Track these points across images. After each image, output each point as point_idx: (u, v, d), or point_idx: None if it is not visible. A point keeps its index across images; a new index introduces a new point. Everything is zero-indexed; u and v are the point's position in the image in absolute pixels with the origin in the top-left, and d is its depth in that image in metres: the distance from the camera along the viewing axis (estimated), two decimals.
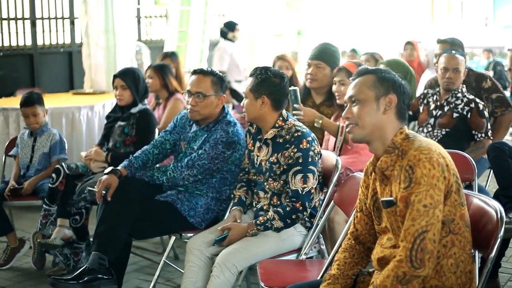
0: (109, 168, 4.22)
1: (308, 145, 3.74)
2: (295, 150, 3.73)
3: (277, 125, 3.85)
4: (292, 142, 3.76)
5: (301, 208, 3.71)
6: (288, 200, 3.76)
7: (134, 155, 4.32)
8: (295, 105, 4.48)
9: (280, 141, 3.82)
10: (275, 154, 3.82)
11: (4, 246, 5.33)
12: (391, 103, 2.69)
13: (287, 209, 3.72)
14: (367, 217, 2.86)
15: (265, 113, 3.85)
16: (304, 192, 3.71)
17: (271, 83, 3.83)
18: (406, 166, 2.55)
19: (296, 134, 3.77)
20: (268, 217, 3.73)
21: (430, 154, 2.52)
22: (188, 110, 4.19)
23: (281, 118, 3.87)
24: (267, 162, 3.86)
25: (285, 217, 3.71)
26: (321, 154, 3.88)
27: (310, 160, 3.74)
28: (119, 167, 4.20)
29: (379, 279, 2.51)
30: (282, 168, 3.79)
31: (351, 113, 2.73)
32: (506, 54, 11.90)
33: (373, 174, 2.77)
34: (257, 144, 3.95)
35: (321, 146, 4.43)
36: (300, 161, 3.72)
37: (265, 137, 3.89)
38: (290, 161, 3.75)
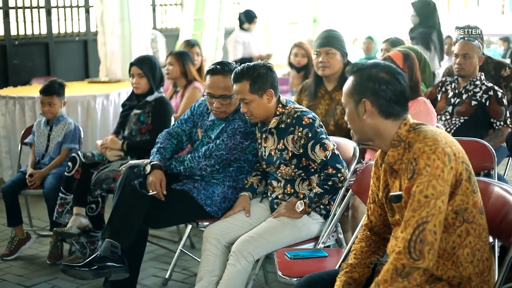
0: (147, 162, 4.09)
1: (310, 120, 3.80)
2: (301, 129, 3.79)
3: (278, 113, 3.88)
4: (294, 124, 3.81)
5: (334, 171, 3.74)
6: (317, 175, 3.82)
7: (161, 146, 4.21)
8: None
9: (283, 126, 3.86)
10: (282, 141, 3.86)
11: (8, 236, 5.35)
12: (364, 108, 2.63)
13: (322, 180, 3.77)
14: (380, 208, 2.82)
15: (272, 105, 3.88)
16: (329, 157, 3.75)
17: (266, 76, 3.83)
18: (411, 159, 2.50)
19: (296, 115, 3.83)
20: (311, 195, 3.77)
21: (435, 145, 2.46)
22: (213, 112, 4.13)
23: (280, 105, 3.90)
24: (276, 151, 3.88)
25: (323, 186, 3.76)
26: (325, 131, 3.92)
27: (318, 130, 3.79)
28: (155, 161, 4.08)
29: (380, 274, 2.45)
30: (291, 154, 3.82)
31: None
32: None
33: (383, 165, 2.73)
34: (263, 135, 3.96)
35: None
36: (310, 135, 3.77)
37: (269, 127, 3.90)
38: (302, 141, 3.79)
